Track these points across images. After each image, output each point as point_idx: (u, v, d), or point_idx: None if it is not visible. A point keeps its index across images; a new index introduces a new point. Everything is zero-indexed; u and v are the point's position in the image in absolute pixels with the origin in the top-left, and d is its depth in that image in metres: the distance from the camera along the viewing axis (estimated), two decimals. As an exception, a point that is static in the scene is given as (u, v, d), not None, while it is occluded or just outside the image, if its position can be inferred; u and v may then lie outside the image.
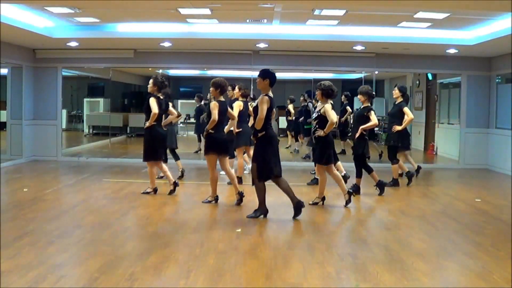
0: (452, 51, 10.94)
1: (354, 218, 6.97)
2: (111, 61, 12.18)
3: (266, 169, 6.31)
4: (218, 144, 7.11)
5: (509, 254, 5.06)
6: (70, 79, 14.03)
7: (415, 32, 9.93)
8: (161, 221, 6.41)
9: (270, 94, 6.40)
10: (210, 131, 7.02)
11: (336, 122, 7.49)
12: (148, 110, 7.52)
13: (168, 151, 8.97)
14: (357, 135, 8.05)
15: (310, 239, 5.67)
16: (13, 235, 5.38)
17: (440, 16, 8.42)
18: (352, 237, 5.92)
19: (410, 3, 7.60)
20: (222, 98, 7.23)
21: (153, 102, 7.47)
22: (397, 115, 8.99)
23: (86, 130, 17.11)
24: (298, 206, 6.47)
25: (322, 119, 7.11)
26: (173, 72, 14.48)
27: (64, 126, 13.19)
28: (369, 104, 8.17)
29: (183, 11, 8.41)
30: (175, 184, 7.78)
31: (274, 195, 7.70)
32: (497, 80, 11.81)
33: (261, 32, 10.23)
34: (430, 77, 14.29)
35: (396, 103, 9.05)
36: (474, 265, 4.80)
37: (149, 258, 4.77)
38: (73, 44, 10.88)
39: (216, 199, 7.31)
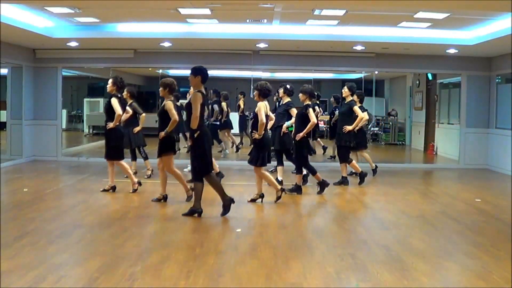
0: (452, 51, 10.94)
1: (354, 218, 6.97)
2: (111, 61, 12.17)
3: (204, 167, 6.31)
4: (173, 144, 7.22)
5: (509, 254, 5.06)
6: (70, 79, 14.04)
7: (415, 32, 9.93)
8: (161, 221, 6.41)
9: (203, 90, 6.39)
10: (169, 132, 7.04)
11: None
12: (110, 111, 7.62)
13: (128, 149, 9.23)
14: (300, 136, 7.87)
15: (310, 239, 5.68)
16: (13, 235, 5.38)
17: (440, 16, 8.42)
18: (352, 237, 5.92)
19: (410, 3, 7.59)
20: (172, 97, 7.24)
21: (115, 103, 7.58)
22: (347, 114, 8.98)
23: (86, 130, 17.11)
24: (227, 204, 6.46)
25: (257, 120, 7.08)
26: (173, 72, 14.50)
27: (64, 126, 13.19)
28: (310, 103, 8.08)
29: (183, 11, 8.41)
30: (139, 183, 7.92)
31: (274, 196, 7.71)
32: (497, 80, 11.81)
33: (261, 32, 10.22)
34: (430, 77, 14.29)
35: (346, 102, 9.06)
36: (474, 265, 4.80)
37: (149, 258, 4.78)
38: (73, 44, 10.87)
39: (165, 197, 7.33)
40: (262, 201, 7.38)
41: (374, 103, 15.88)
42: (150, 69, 13.16)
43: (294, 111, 8.20)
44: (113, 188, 7.93)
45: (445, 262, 4.88)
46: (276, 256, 4.92)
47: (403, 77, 16.07)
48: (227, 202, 6.48)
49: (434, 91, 14.31)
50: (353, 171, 9.69)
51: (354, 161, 9.22)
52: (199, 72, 6.40)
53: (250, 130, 7.26)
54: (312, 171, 8.08)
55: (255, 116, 7.16)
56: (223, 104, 12.46)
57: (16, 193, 7.95)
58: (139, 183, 7.94)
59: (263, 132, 7.08)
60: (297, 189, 8.06)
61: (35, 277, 4.14)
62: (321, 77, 15.03)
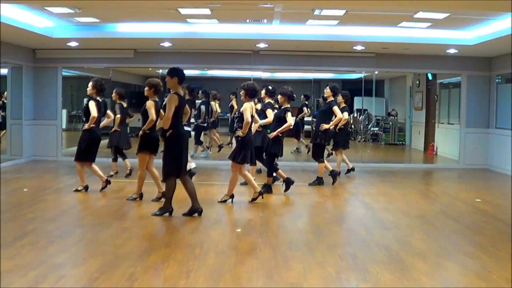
0: (452, 51, 10.94)
1: (354, 218, 6.96)
2: (111, 61, 12.16)
3: (175, 167, 6.30)
4: (152, 144, 7.22)
5: (509, 254, 5.05)
6: (70, 79, 14.00)
7: (415, 32, 9.93)
8: (161, 221, 6.40)
9: (180, 92, 6.39)
10: (146, 131, 7.08)
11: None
12: (87, 113, 7.73)
13: (112, 149, 9.40)
14: (273, 135, 7.96)
15: (310, 239, 5.68)
16: (13, 235, 5.37)
17: (440, 16, 8.42)
18: (352, 237, 5.92)
19: (410, 3, 7.59)
20: (156, 98, 7.25)
21: (92, 106, 7.69)
22: (327, 113, 9.02)
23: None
24: (194, 210, 6.44)
25: (243, 119, 7.09)
26: (173, 72, 14.48)
27: (64, 126, 13.17)
28: (289, 106, 8.15)
29: (183, 11, 8.42)
30: (107, 182, 7.96)
31: (275, 196, 7.71)
32: (497, 80, 11.81)
33: (261, 32, 10.22)
34: (430, 77, 14.29)
35: (327, 101, 9.08)
36: (474, 265, 4.80)
37: (149, 258, 4.78)
38: (73, 44, 10.87)
39: (141, 196, 7.36)
40: (232, 201, 7.30)
41: (374, 103, 15.89)
42: (150, 69, 13.14)
43: (269, 112, 8.19)
44: (86, 188, 7.93)
45: (445, 262, 4.88)
46: (276, 256, 4.91)
47: (403, 77, 16.06)
48: (195, 208, 6.44)
49: (434, 91, 14.31)
50: (349, 168, 10.04)
51: (326, 162, 9.15)
52: (176, 73, 6.37)
53: (234, 128, 7.27)
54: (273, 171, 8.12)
55: (241, 115, 7.18)
56: (214, 103, 12.43)
57: (16, 193, 7.95)
58: (109, 182, 7.98)
59: (247, 131, 7.07)
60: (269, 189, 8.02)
61: (35, 277, 4.14)
62: (321, 77, 14.99)
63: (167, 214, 6.44)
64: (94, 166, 7.94)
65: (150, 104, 7.13)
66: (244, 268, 4.57)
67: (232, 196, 7.27)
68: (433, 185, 10.35)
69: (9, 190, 8.22)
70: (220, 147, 13.40)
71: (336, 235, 5.95)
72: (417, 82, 15.18)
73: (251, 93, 7.18)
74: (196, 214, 6.43)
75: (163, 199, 7.23)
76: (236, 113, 7.19)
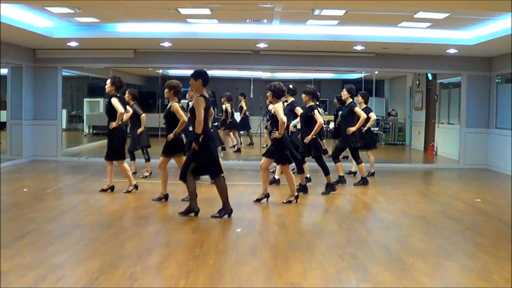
0: (452, 51, 10.94)
1: (354, 218, 6.96)
2: (111, 61, 12.16)
3: (218, 166, 6.36)
4: (182, 145, 7.24)
5: (509, 254, 5.06)
6: (70, 79, 14.02)
7: (415, 32, 9.93)
8: (161, 221, 6.41)
9: (205, 94, 6.37)
10: (177, 133, 7.08)
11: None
12: (111, 111, 7.62)
13: (142, 150, 9.35)
14: (309, 139, 7.94)
15: (310, 239, 5.68)
16: (13, 235, 5.38)
17: (440, 16, 8.42)
18: (352, 237, 5.92)
19: (410, 3, 7.59)
20: (176, 99, 7.22)
21: (116, 103, 7.58)
22: (349, 116, 8.98)
23: (86, 130, 17.09)
24: (189, 210, 6.45)
25: (275, 120, 7.09)
26: (173, 72, 14.49)
27: (64, 126, 13.18)
28: (313, 103, 8.13)
29: (183, 11, 8.41)
30: (135, 187, 7.90)
31: (275, 196, 7.71)
32: (497, 80, 11.81)
33: (261, 32, 10.22)
34: (430, 77, 14.29)
35: (346, 104, 9.07)
36: (474, 265, 4.80)
37: (149, 258, 4.78)
38: (73, 44, 10.87)
39: (166, 197, 7.36)
40: (267, 201, 7.37)
41: (374, 103, 15.86)
42: (150, 69, 13.15)
43: (299, 110, 8.24)
44: (112, 188, 7.92)
45: (445, 262, 4.89)
46: (276, 256, 4.92)
47: (403, 77, 16.05)
48: (191, 208, 6.44)
49: (434, 91, 14.30)
50: (351, 170, 9.97)
51: (362, 164, 9.12)
52: (200, 76, 6.37)
53: (269, 129, 7.29)
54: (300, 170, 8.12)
55: (273, 116, 7.15)
56: (227, 105, 12.47)
57: (16, 193, 7.95)
58: (136, 187, 7.91)
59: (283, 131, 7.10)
60: (303, 189, 8.05)
61: (35, 277, 4.14)
62: (321, 77, 15.01)
63: (226, 216, 6.41)
64: (126, 165, 7.92)
65: (176, 106, 7.06)
66: (244, 268, 4.57)
67: (267, 196, 7.33)
68: (433, 185, 10.35)
69: (9, 190, 8.22)
70: (239, 149, 13.50)
71: (336, 235, 5.95)
72: (417, 82, 15.18)
73: (279, 94, 7.17)
74: (192, 214, 6.43)
75: (163, 200, 7.28)
76: (267, 113, 7.28)
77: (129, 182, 7.90)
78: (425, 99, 14.81)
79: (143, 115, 9.24)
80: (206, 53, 11.94)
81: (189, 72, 6.61)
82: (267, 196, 7.38)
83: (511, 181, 9.74)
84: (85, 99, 17.10)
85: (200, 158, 6.31)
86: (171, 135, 7.03)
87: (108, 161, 7.82)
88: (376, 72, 13.03)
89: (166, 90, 7.21)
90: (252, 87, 11.50)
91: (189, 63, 12.26)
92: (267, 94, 7.28)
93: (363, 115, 8.86)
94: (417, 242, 5.55)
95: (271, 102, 7.30)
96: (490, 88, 11.91)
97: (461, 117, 12.14)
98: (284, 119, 7.03)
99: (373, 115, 9.53)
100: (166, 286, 4.15)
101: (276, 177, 8.77)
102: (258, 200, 7.36)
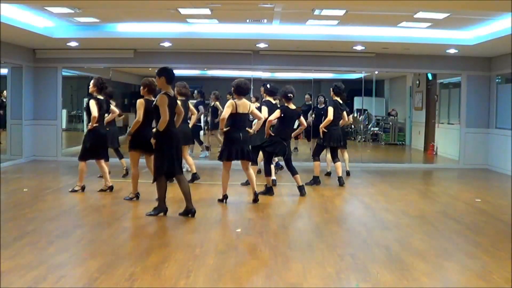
0: (452, 51, 10.94)
1: (354, 218, 6.97)
2: (111, 61, 12.17)
3: (165, 167, 6.24)
4: (141, 142, 7.12)
5: (509, 254, 5.06)
6: (70, 79, 14.00)
7: (415, 32, 9.93)
8: (161, 221, 6.40)
9: (170, 92, 6.31)
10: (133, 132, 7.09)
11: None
12: (89, 112, 7.74)
13: (112, 150, 9.34)
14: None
15: (310, 239, 5.67)
16: (13, 235, 5.38)
17: (440, 16, 8.42)
18: (352, 237, 5.92)
19: (410, 3, 7.60)
20: (152, 97, 7.15)
21: (92, 105, 7.69)
22: (325, 114, 9.08)
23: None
24: (186, 211, 6.41)
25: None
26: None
27: (64, 126, 13.18)
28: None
29: (183, 11, 8.41)
30: (111, 188, 7.92)
31: (274, 196, 7.70)
32: (497, 80, 11.81)
33: (261, 32, 10.23)
34: (430, 77, 14.28)
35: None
36: (474, 265, 4.79)
37: (149, 258, 4.77)
38: (73, 44, 10.88)
39: (137, 196, 7.35)
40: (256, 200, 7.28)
41: (374, 103, 15.88)
42: (150, 69, 13.13)
43: (264, 109, 8.22)
44: (111, 188, 7.94)
45: (445, 262, 4.88)
46: (276, 256, 4.92)
47: (403, 77, 16.04)
48: (188, 209, 6.39)
49: (434, 91, 14.30)
50: (328, 170, 10.06)
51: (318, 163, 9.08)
52: (163, 73, 6.33)
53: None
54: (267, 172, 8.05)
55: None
56: (217, 103, 12.45)
57: (16, 193, 7.94)
58: (111, 188, 7.93)
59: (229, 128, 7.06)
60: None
61: (35, 277, 4.14)
62: (321, 77, 15.00)
63: (161, 213, 6.43)
64: (104, 165, 7.95)
65: (138, 104, 7.05)
66: (244, 268, 4.57)
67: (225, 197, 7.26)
68: (433, 185, 10.35)
69: (9, 190, 8.22)
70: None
71: (336, 235, 5.95)
72: (417, 82, 15.17)
73: (238, 91, 7.07)
74: (189, 215, 6.41)
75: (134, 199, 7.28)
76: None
77: (105, 181, 7.94)
78: (425, 99, 14.81)
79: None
80: (206, 53, 11.93)
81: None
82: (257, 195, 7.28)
83: (511, 181, 9.74)
84: (85, 99, 17.09)
85: (155, 154, 6.35)
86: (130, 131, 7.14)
87: (81, 161, 7.86)
88: (376, 72, 13.04)
89: (141, 88, 7.19)
90: (252, 87, 11.47)
91: (189, 63, 12.28)
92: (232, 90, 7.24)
93: (329, 116, 8.86)
94: (417, 242, 5.55)
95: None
96: (490, 88, 11.91)
97: (461, 117, 12.14)
98: (225, 115, 6.94)
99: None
100: (166, 286, 4.14)
101: (273, 178, 8.68)
102: (255, 201, 7.32)
